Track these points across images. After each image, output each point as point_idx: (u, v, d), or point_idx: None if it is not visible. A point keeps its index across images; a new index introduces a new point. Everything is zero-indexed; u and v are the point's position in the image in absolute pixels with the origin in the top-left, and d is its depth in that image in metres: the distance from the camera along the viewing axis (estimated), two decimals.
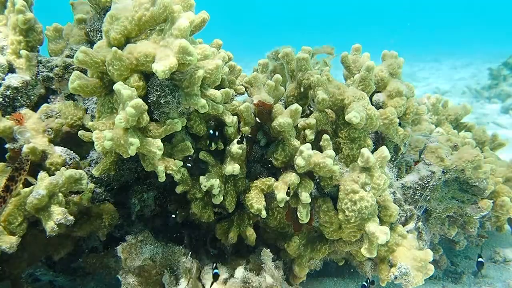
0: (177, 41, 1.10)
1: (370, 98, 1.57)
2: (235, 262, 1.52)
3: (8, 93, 1.44)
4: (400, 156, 1.69)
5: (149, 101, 1.20)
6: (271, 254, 1.43)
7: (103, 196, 1.48)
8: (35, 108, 1.49)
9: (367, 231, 1.34)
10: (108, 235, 1.49)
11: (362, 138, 1.47)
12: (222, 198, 1.43)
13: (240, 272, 1.40)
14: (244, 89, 1.62)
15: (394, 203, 1.56)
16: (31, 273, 1.52)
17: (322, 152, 1.41)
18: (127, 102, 1.10)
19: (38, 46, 1.58)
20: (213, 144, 1.42)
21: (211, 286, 1.38)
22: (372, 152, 1.37)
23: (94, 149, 1.35)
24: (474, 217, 1.77)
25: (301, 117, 1.50)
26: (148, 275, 1.36)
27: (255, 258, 1.51)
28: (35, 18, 1.52)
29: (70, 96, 1.54)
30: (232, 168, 1.40)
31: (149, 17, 1.17)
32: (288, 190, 1.39)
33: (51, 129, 1.40)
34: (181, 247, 1.45)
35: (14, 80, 1.46)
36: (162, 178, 1.25)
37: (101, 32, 1.34)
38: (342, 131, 1.49)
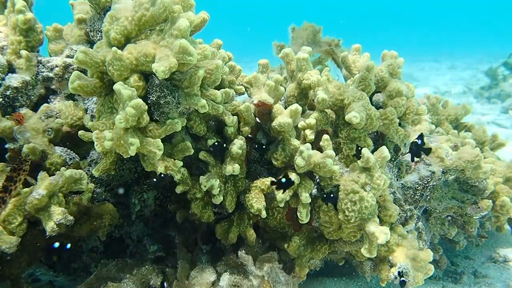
0: (177, 41, 1.10)
1: (370, 98, 1.57)
2: (227, 259, 1.51)
3: (8, 93, 1.44)
4: (400, 156, 1.69)
5: (149, 101, 1.20)
6: (249, 257, 1.41)
7: (103, 196, 1.49)
8: (35, 108, 1.49)
9: (367, 231, 1.34)
10: (108, 235, 1.49)
11: (362, 138, 1.47)
12: (222, 198, 1.43)
13: (225, 278, 1.38)
14: (244, 89, 1.62)
15: (394, 203, 1.56)
16: (31, 273, 1.52)
17: (322, 152, 1.41)
18: (127, 102, 1.10)
19: (38, 46, 1.58)
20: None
21: None
22: (372, 152, 1.37)
23: (94, 149, 1.35)
24: (474, 217, 1.77)
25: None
26: None
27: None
28: (35, 18, 1.52)
29: (70, 96, 1.54)
30: (232, 168, 1.40)
31: (149, 17, 1.17)
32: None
33: (51, 129, 1.40)
34: (150, 265, 1.44)
35: (14, 80, 1.46)
36: None
37: (101, 32, 1.34)
38: (342, 131, 1.49)
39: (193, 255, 1.58)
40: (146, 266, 1.43)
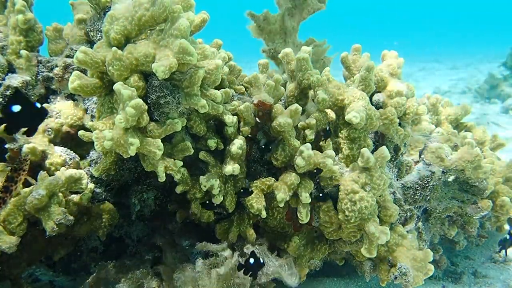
0: (177, 41, 1.10)
1: (370, 98, 1.57)
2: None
3: (8, 93, 1.44)
4: (400, 156, 1.69)
5: (149, 101, 1.20)
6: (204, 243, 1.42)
7: (103, 196, 1.49)
8: None
9: (367, 231, 1.34)
10: (108, 235, 1.49)
11: (362, 138, 1.47)
12: (222, 198, 1.43)
13: (199, 264, 1.38)
14: (244, 89, 1.62)
15: (394, 203, 1.56)
16: (31, 273, 1.52)
17: (322, 152, 1.41)
18: (127, 102, 1.10)
19: (38, 46, 1.58)
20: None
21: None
22: (372, 152, 1.37)
23: (94, 149, 1.35)
24: (474, 217, 1.78)
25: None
26: None
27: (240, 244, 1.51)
28: (35, 18, 1.52)
29: (70, 96, 1.54)
30: (232, 168, 1.40)
31: (149, 17, 1.17)
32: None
33: (51, 129, 1.40)
34: (144, 269, 1.45)
35: (14, 80, 1.46)
36: (162, 178, 1.25)
37: (101, 32, 1.34)
38: (342, 131, 1.49)
39: (180, 255, 1.57)
40: (141, 269, 1.43)
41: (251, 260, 1.31)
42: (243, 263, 1.33)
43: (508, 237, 1.79)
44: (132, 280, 1.40)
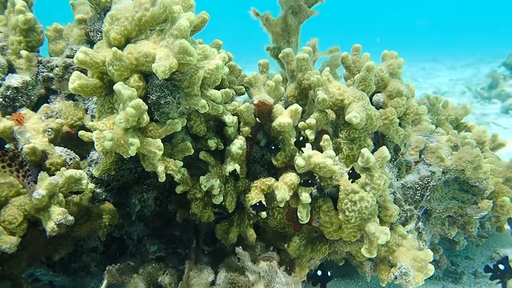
0: (177, 41, 1.10)
1: (370, 98, 1.57)
2: (228, 262, 1.51)
3: (8, 93, 1.44)
4: (400, 156, 1.69)
5: (149, 101, 1.20)
6: (246, 252, 1.42)
7: (103, 196, 1.49)
8: (35, 108, 1.49)
9: (367, 231, 1.34)
10: (108, 235, 1.49)
11: (362, 138, 1.47)
12: (222, 198, 1.44)
13: (222, 276, 1.38)
14: (244, 89, 1.62)
15: (394, 203, 1.56)
16: (31, 273, 1.52)
17: (322, 152, 1.41)
18: (127, 102, 1.10)
19: (38, 46, 1.58)
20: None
21: None
22: (372, 152, 1.37)
23: (94, 149, 1.35)
24: (474, 217, 1.77)
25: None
26: None
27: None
28: (35, 18, 1.52)
29: (70, 96, 1.54)
30: (232, 168, 1.40)
31: (149, 18, 1.17)
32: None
33: (51, 129, 1.40)
34: (156, 264, 1.46)
35: (14, 80, 1.46)
36: (162, 178, 1.25)
37: (101, 32, 1.34)
38: (342, 131, 1.49)
39: (195, 256, 1.58)
40: (153, 265, 1.44)
41: (319, 272, 1.31)
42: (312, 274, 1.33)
43: (503, 267, 1.66)
44: (143, 275, 1.40)
